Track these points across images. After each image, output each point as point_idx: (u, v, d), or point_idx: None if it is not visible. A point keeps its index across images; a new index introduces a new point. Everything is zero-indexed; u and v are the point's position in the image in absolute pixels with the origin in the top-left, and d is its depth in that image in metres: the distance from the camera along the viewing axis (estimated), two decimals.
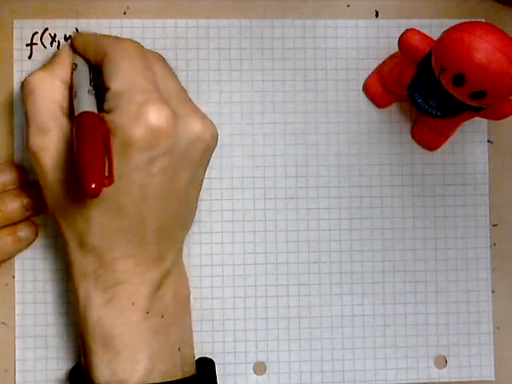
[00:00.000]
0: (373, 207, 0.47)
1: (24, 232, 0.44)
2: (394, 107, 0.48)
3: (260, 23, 0.47)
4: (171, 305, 0.41)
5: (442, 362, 0.47)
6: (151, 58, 0.41)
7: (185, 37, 0.46)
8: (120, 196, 0.38)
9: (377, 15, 0.48)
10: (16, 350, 0.45)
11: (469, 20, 0.41)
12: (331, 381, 0.46)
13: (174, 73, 0.42)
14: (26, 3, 0.46)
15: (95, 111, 0.38)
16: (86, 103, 0.38)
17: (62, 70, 0.42)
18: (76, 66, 0.42)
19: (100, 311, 0.39)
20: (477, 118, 0.44)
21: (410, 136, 0.48)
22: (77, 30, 0.46)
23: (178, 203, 0.40)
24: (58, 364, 0.45)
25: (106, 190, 0.36)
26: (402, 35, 0.43)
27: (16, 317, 0.45)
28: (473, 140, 0.48)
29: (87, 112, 0.37)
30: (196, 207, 0.43)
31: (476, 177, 0.48)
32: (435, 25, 0.47)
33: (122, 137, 0.37)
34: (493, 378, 0.47)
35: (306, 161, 0.47)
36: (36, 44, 0.46)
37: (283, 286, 0.47)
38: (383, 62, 0.47)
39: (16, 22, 0.46)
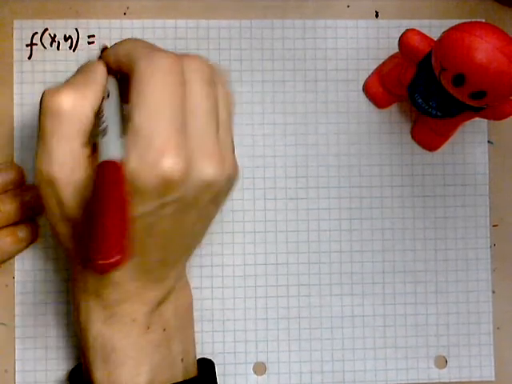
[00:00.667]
0: (373, 208, 0.47)
1: (24, 232, 0.44)
2: (394, 107, 0.48)
3: (260, 24, 0.47)
4: (173, 318, 0.41)
5: (442, 362, 0.47)
6: (188, 75, 0.36)
7: (185, 37, 0.46)
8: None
9: (377, 15, 0.48)
10: (16, 351, 0.45)
11: (469, 20, 0.41)
12: (331, 381, 0.46)
13: (213, 90, 0.37)
14: (26, 3, 0.46)
15: (117, 158, 0.34)
16: (112, 148, 0.35)
17: (95, 95, 0.37)
18: (109, 94, 0.37)
19: (101, 326, 0.39)
20: (477, 118, 0.44)
21: (410, 136, 0.48)
22: (105, 47, 0.41)
23: (183, 238, 0.39)
24: (57, 364, 0.45)
25: None
26: (402, 35, 0.43)
27: (16, 317, 0.45)
28: (473, 140, 0.48)
29: (111, 162, 0.34)
30: (203, 237, 0.41)
31: (476, 177, 0.48)
32: (435, 25, 0.48)
33: (135, 184, 0.34)
34: (493, 379, 0.47)
35: (306, 161, 0.47)
36: (36, 44, 0.46)
37: (283, 287, 0.46)
38: (383, 63, 0.47)
39: (16, 23, 0.46)
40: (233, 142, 0.39)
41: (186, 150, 0.35)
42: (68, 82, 0.37)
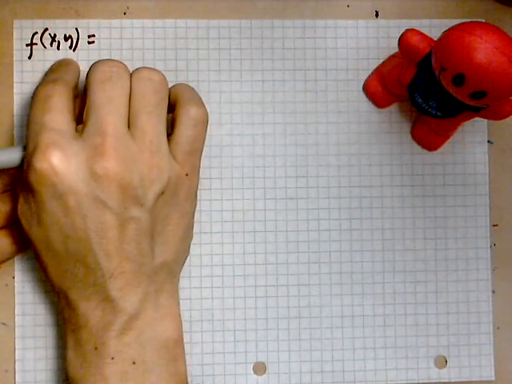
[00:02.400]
0: (373, 207, 0.47)
1: (24, 232, 0.44)
2: (394, 107, 0.48)
3: (260, 23, 0.47)
4: (147, 351, 0.40)
5: (442, 362, 0.47)
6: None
7: (185, 37, 0.46)
8: (47, 235, 0.39)
9: (377, 15, 0.48)
10: (16, 350, 0.45)
11: (469, 20, 0.41)
12: (331, 381, 0.46)
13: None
14: (25, 3, 0.46)
15: None
16: None
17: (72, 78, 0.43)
18: None
19: (71, 353, 0.40)
20: (477, 118, 0.44)
21: (410, 136, 0.48)
22: None
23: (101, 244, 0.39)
24: (57, 364, 0.45)
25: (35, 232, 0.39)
26: (401, 35, 0.43)
27: (16, 317, 0.45)
28: (473, 140, 0.48)
29: None
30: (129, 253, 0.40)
31: (476, 177, 0.48)
32: (435, 25, 0.47)
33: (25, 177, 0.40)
34: (493, 378, 0.47)
35: (306, 161, 0.47)
36: (36, 44, 0.46)
37: (283, 287, 0.46)
38: (383, 62, 0.47)
39: (16, 22, 0.46)
40: None
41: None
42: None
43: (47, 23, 0.46)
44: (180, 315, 0.42)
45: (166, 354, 0.40)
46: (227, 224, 0.46)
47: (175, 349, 0.41)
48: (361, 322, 0.47)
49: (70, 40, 0.46)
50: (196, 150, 0.42)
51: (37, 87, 0.41)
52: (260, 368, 0.46)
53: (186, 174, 0.41)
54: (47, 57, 0.46)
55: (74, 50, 0.46)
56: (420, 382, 0.47)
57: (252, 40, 0.47)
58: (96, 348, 0.39)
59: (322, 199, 0.47)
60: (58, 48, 0.46)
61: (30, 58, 0.46)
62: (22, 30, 0.46)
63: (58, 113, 0.39)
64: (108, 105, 0.39)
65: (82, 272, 0.39)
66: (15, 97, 0.45)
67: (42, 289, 0.45)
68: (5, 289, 0.45)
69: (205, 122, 0.41)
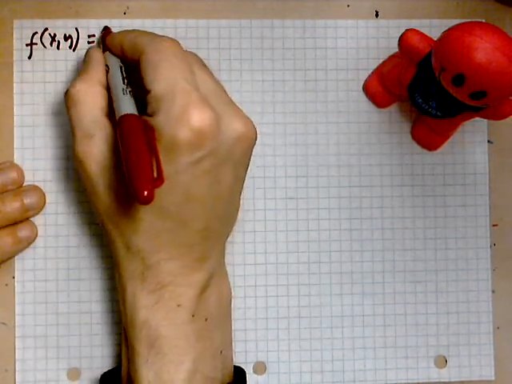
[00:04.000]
0: (373, 207, 0.47)
1: (24, 232, 0.44)
2: (394, 107, 0.48)
3: (260, 23, 0.47)
4: (215, 308, 0.41)
5: (442, 361, 0.47)
6: (189, 58, 0.40)
7: (185, 37, 0.46)
8: (165, 197, 0.38)
9: (377, 15, 0.48)
10: (16, 350, 0.45)
11: (469, 20, 0.41)
12: (331, 381, 0.46)
13: (211, 72, 0.41)
14: (25, 3, 0.46)
15: (135, 112, 0.38)
16: (125, 105, 0.38)
17: (98, 74, 0.42)
18: (108, 68, 0.42)
19: (147, 312, 0.39)
20: (477, 118, 0.44)
21: (410, 136, 0.48)
22: (106, 27, 0.45)
23: (222, 203, 0.40)
24: (58, 364, 0.45)
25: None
26: (401, 35, 0.43)
27: (16, 317, 0.45)
28: (473, 140, 0.48)
29: (128, 115, 0.37)
30: (239, 206, 0.43)
31: (476, 177, 0.48)
32: (435, 25, 0.47)
33: (167, 139, 0.37)
34: (493, 378, 0.47)
35: (306, 161, 0.47)
36: (36, 44, 0.46)
37: (283, 286, 0.47)
38: (383, 62, 0.47)
39: (16, 22, 0.46)
40: None
41: (211, 106, 0.38)
42: (77, 75, 0.43)
43: (47, 23, 0.46)
44: None
45: (226, 311, 0.43)
46: None
47: (230, 307, 0.43)
48: (361, 322, 0.47)
49: (69, 40, 0.46)
50: None
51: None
52: (260, 368, 0.46)
53: None
54: (47, 57, 0.46)
55: (73, 50, 0.46)
56: (420, 381, 0.47)
57: (252, 40, 0.47)
58: (179, 305, 0.39)
59: (322, 199, 0.47)
60: (58, 48, 0.46)
61: (29, 57, 0.46)
62: (22, 30, 0.46)
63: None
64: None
65: (183, 233, 0.39)
66: (15, 97, 0.45)
67: (42, 289, 0.45)
68: (5, 289, 0.45)
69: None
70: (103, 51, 0.43)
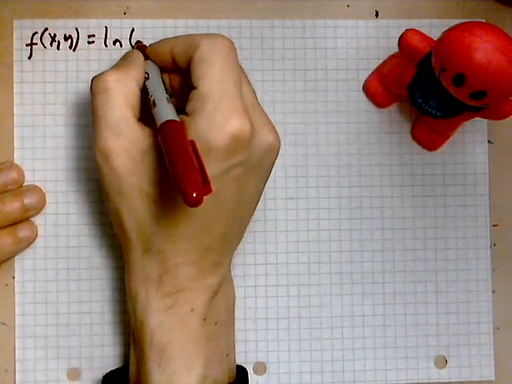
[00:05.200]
0: (373, 207, 0.47)
1: (24, 232, 0.44)
2: (394, 107, 0.48)
3: (260, 23, 0.47)
4: (224, 312, 0.41)
5: (442, 362, 0.47)
6: (238, 61, 0.40)
7: None
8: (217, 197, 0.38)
9: (377, 15, 0.48)
10: (16, 350, 0.45)
11: (469, 20, 0.41)
12: (331, 381, 0.46)
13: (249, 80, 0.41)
14: (25, 3, 0.46)
15: (176, 118, 0.37)
16: (169, 112, 0.37)
17: (137, 73, 0.40)
18: (148, 75, 0.41)
19: (160, 316, 0.39)
20: (477, 118, 0.44)
21: (410, 136, 0.48)
22: (139, 41, 0.46)
23: (242, 210, 0.40)
24: (58, 364, 0.45)
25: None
26: (401, 35, 0.43)
27: (16, 317, 0.45)
28: (473, 140, 0.48)
29: (173, 120, 0.36)
30: (252, 215, 0.42)
31: (476, 177, 0.48)
32: (435, 25, 0.47)
33: (203, 143, 0.36)
34: (493, 378, 0.47)
35: (306, 161, 0.47)
36: (36, 44, 0.46)
37: (283, 287, 0.47)
38: (383, 62, 0.47)
39: (16, 22, 0.46)
40: None
41: (249, 115, 0.38)
42: (111, 67, 0.41)
43: (47, 23, 0.46)
44: None
45: (232, 314, 0.43)
46: None
47: (234, 309, 0.43)
48: (361, 322, 0.47)
49: (69, 40, 0.46)
50: None
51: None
52: (260, 368, 0.46)
53: None
54: (47, 57, 0.46)
55: (73, 50, 0.46)
56: (420, 381, 0.47)
57: (252, 40, 0.47)
58: (192, 310, 0.39)
59: (322, 199, 0.47)
60: (58, 48, 0.46)
61: (29, 57, 0.46)
62: (22, 30, 0.46)
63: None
64: None
65: (205, 237, 0.39)
66: (15, 97, 0.45)
67: (42, 289, 0.45)
68: (5, 289, 0.45)
69: None
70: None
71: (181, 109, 0.38)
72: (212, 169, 0.36)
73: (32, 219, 0.45)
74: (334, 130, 0.47)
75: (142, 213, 0.38)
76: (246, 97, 0.39)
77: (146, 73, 0.41)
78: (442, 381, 0.47)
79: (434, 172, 0.48)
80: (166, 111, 0.37)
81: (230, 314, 0.42)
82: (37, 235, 0.45)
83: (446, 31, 0.40)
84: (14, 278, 0.45)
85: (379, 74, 0.47)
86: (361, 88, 0.47)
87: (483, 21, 0.47)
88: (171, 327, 0.39)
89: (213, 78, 0.37)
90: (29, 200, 0.44)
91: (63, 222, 0.45)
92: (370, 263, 0.47)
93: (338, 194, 0.47)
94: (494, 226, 0.48)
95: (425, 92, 0.43)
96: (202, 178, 0.34)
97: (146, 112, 0.39)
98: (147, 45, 0.43)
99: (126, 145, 0.38)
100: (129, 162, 0.38)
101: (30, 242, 0.44)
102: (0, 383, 0.44)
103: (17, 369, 0.45)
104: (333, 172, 0.47)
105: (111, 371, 0.44)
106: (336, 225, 0.47)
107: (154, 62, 0.42)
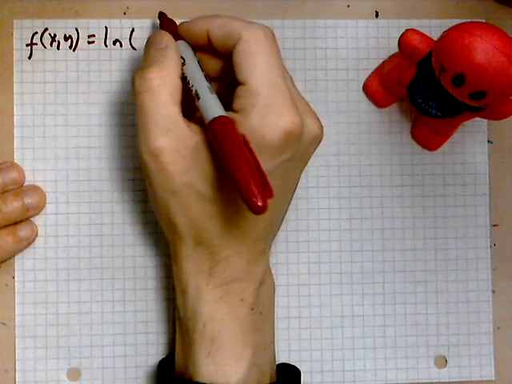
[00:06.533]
0: (373, 207, 0.47)
1: (24, 232, 0.44)
2: (394, 107, 0.48)
3: None
4: (268, 301, 0.42)
5: (442, 361, 0.47)
6: (279, 50, 0.39)
7: None
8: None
9: (377, 15, 0.48)
10: (16, 350, 0.45)
11: (469, 20, 0.41)
12: (331, 381, 0.46)
13: None
14: (25, 3, 0.46)
15: (224, 113, 0.36)
16: (215, 106, 0.37)
17: (177, 65, 0.39)
18: (184, 60, 0.39)
19: (211, 307, 0.39)
20: (477, 118, 0.44)
21: (410, 136, 0.48)
22: (162, 13, 0.43)
23: (286, 199, 0.41)
24: (58, 364, 0.45)
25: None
26: (401, 35, 0.43)
27: (16, 317, 0.45)
28: (473, 140, 0.48)
29: (222, 117, 0.36)
30: (289, 203, 0.42)
31: (476, 177, 0.48)
32: (435, 25, 0.47)
33: (257, 140, 0.36)
34: (493, 378, 0.47)
35: None
36: (36, 44, 0.46)
37: (283, 287, 0.46)
38: (383, 62, 0.47)
39: (16, 22, 0.46)
40: None
41: (297, 108, 0.37)
42: (148, 62, 0.39)
43: (47, 23, 0.46)
44: None
45: (273, 304, 0.43)
46: None
47: (275, 298, 0.43)
48: (361, 322, 0.47)
49: (69, 40, 0.46)
50: None
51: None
52: None
53: None
54: (47, 57, 0.46)
55: (73, 50, 0.46)
56: (420, 381, 0.47)
57: None
58: (242, 299, 0.39)
59: (322, 199, 0.47)
60: (58, 48, 0.46)
61: (29, 57, 0.46)
62: (22, 30, 0.46)
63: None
64: None
65: (253, 228, 0.39)
66: (15, 97, 0.45)
67: (42, 289, 0.45)
68: (5, 289, 0.45)
69: None
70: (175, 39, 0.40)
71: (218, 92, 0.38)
72: (266, 166, 0.36)
73: (32, 219, 0.45)
74: (334, 130, 0.47)
75: (195, 210, 0.38)
76: (289, 88, 0.38)
77: (182, 57, 0.39)
78: (442, 381, 0.47)
79: (433, 172, 0.48)
80: (212, 106, 0.37)
81: (272, 302, 0.42)
82: (37, 235, 0.45)
83: (445, 31, 0.40)
84: (14, 278, 0.45)
85: (379, 74, 0.47)
86: (361, 88, 0.47)
87: (483, 21, 0.47)
88: (222, 317, 0.39)
89: (261, 74, 0.37)
90: (29, 200, 0.44)
91: (63, 222, 0.45)
92: (370, 263, 0.47)
93: (338, 194, 0.47)
94: (493, 226, 0.48)
95: (425, 92, 0.43)
96: (262, 183, 0.34)
97: (184, 99, 0.39)
98: (175, 21, 0.42)
99: (175, 143, 0.37)
100: (179, 160, 0.37)
101: (30, 241, 0.45)
102: (0, 383, 0.44)
103: (17, 369, 0.45)
104: (333, 172, 0.47)
105: (164, 358, 0.44)
106: (336, 225, 0.47)
107: (185, 41, 0.41)
